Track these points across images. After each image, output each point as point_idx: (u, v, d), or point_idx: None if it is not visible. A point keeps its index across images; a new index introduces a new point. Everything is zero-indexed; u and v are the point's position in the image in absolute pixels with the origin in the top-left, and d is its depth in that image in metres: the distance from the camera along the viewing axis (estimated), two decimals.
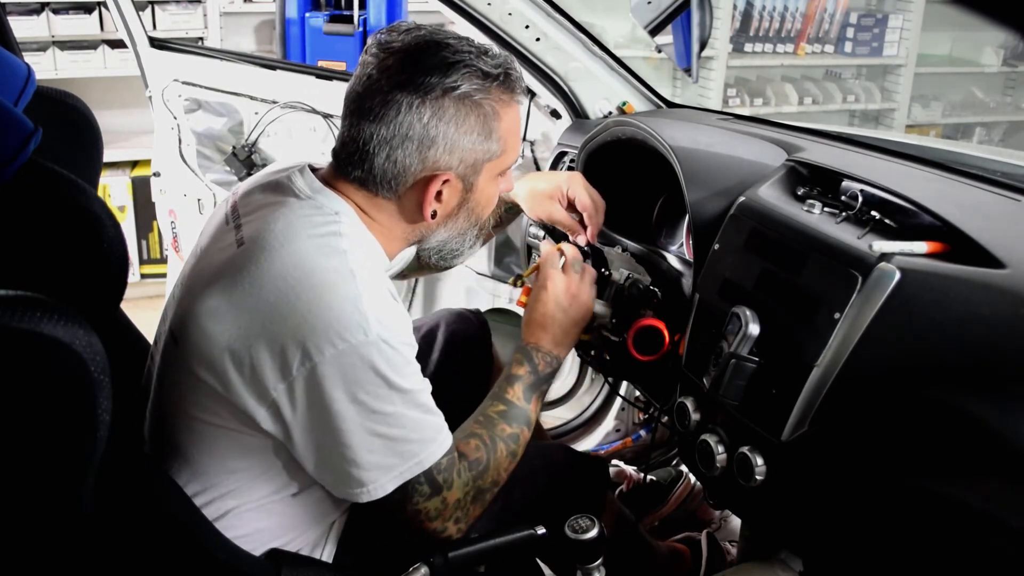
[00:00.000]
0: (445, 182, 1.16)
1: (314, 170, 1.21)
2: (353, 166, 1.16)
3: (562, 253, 1.39)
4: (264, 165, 2.03)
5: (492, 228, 1.63)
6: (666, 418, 1.38)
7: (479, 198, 1.23)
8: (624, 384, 2.05)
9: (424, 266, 1.63)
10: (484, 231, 1.31)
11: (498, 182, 1.25)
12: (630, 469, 2.00)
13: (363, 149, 1.14)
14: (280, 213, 1.13)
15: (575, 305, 1.36)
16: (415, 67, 1.12)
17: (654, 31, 1.63)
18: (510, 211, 1.60)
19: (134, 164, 3.51)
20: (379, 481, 1.10)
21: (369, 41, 1.18)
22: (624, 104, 1.92)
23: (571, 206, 1.52)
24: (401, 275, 1.63)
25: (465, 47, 1.15)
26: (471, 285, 2.32)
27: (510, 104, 1.19)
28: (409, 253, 1.54)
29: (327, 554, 1.26)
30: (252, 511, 1.17)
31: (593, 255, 1.51)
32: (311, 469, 1.12)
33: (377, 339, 1.05)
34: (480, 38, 1.87)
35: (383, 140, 1.13)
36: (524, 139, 2.08)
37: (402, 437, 1.10)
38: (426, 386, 1.14)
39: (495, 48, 1.19)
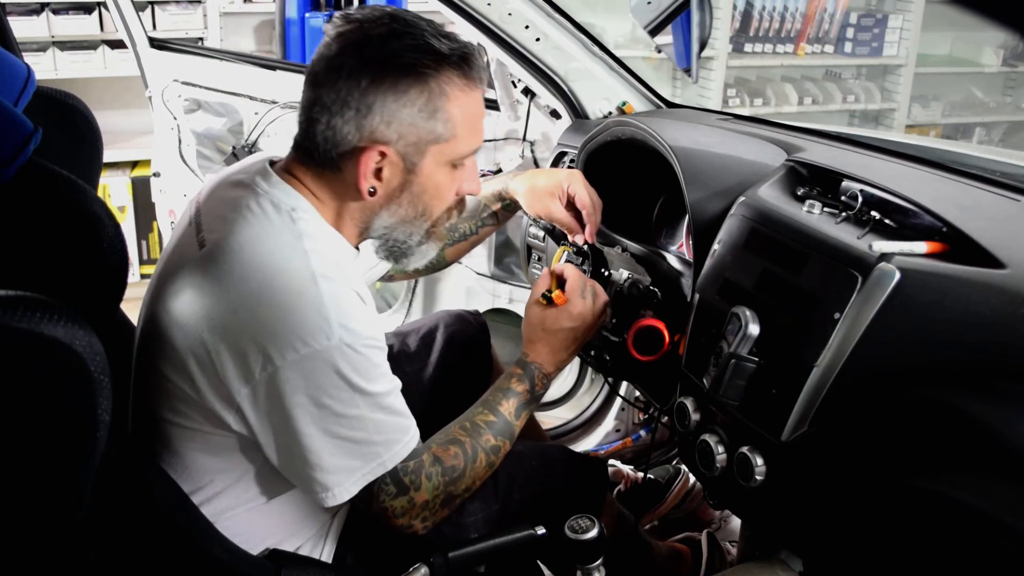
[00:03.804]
0: (383, 156, 1.12)
1: (275, 163, 1.19)
2: (302, 134, 1.15)
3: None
4: None
5: (489, 225, 1.62)
6: (666, 418, 1.38)
7: (424, 183, 1.16)
8: (624, 384, 2.05)
9: (412, 269, 1.63)
10: (437, 231, 1.24)
11: (453, 174, 1.19)
12: (627, 469, 2.00)
13: (308, 115, 1.13)
14: (240, 214, 1.11)
15: (588, 336, 1.38)
16: (364, 35, 1.10)
17: (654, 31, 1.63)
18: (507, 208, 1.60)
19: (134, 164, 3.51)
20: (343, 484, 1.10)
21: (336, 14, 1.17)
22: (624, 104, 1.92)
23: (570, 204, 1.52)
24: (389, 277, 1.62)
25: (423, 24, 1.12)
26: (471, 285, 2.32)
27: (464, 88, 1.14)
28: None
29: (327, 553, 1.26)
30: (245, 511, 1.17)
31: (593, 255, 1.51)
32: (281, 471, 1.12)
33: (340, 343, 1.05)
34: (480, 38, 1.87)
35: (324, 105, 1.10)
36: (524, 139, 2.08)
37: (365, 439, 1.10)
38: (394, 387, 1.14)
39: (461, 36, 1.15)
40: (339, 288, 1.08)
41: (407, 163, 1.14)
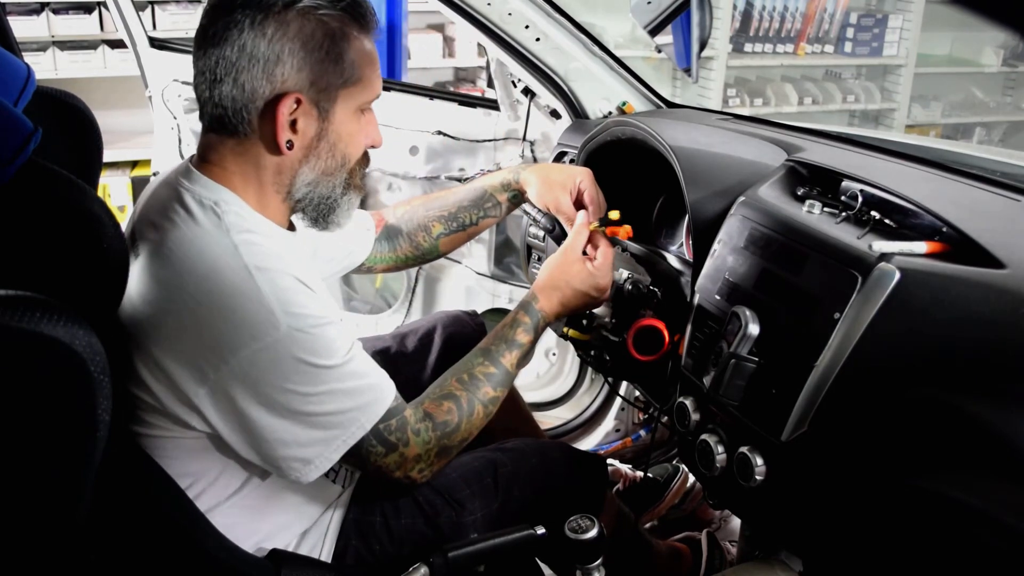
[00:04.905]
0: (297, 104, 1.11)
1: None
2: (207, 103, 1.13)
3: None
4: None
5: (491, 217, 1.62)
6: (666, 418, 1.38)
7: (339, 130, 1.16)
8: (624, 384, 2.05)
9: (402, 258, 1.62)
10: (355, 181, 1.23)
11: (360, 121, 1.19)
12: (625, 468, 2.00)
13: (212, 79, 1.10)
14: (167, 217, 1.11)
15: (598, 299, 1.39)
16: None
17: (654, 31, 1.63)
18: (512, 200, 1.60)
19: (134, 164, 3.51)
20: (323, 454, 1.11)
21: None
22: (624, 104, 1.92)
23: (577, 202, 1.52)
24: (368, 269, 1.62)
25: None
26: (471, 285, 2.32)
27: (360, 34, 1.14)
28: (364, 240, 1.53)
29: (326, 553, 1.26)
30: (229, 508, 1.17)
31: None
32: (255, 460, 1.12)
33: (289, 331, 1.05)
34: (480, 38, 1.87)
35: (229, 64, 1.08)
36: (524, 139, 2.08)
37: (339, 409, 1.10)
38: (354, 352, 1.13)
39: None
40: (276, 276, 1.07)
41: (320, 110, 1.13)
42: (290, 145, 1.13)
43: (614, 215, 1.46)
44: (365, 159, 1.24)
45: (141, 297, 1.07)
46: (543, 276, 1.37)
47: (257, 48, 1.08)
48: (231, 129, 1.13)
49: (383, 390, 1.15)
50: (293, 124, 1.12)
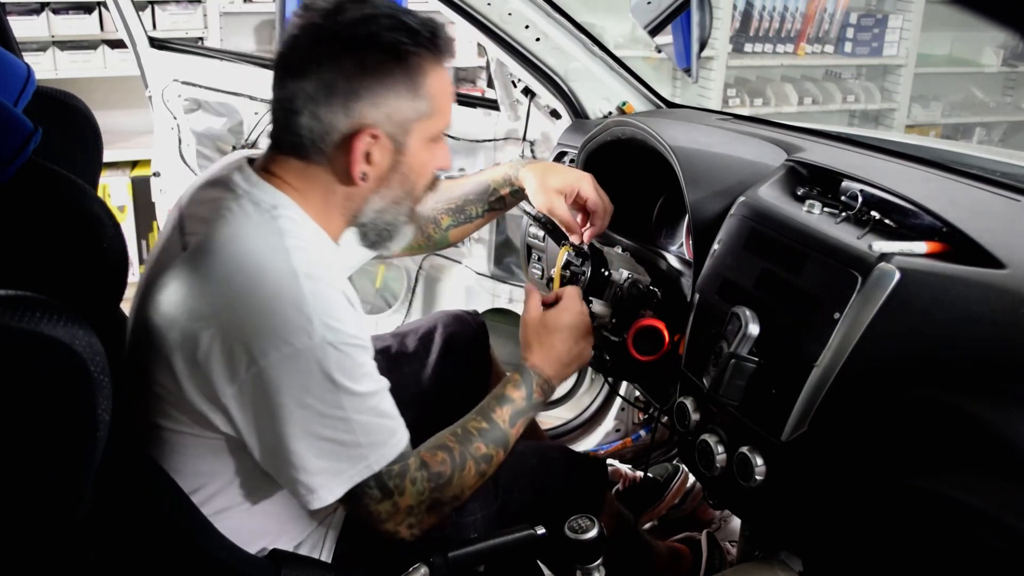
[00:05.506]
0: (374, 138, 1.11)
1: (253, 161, 1.18)
2: (282, 130, 1.13)
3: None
4: None
5: (496, 209, 1.63)
6: (666, 418, 1.38)
7: (412, 163, 1.16)
8: (624, 384, 2.05)
9: (415, 247, 1.63)
10: (415, 213, 1.24)
11: (432, 149, 1.19)
12: (625, 468, 2.00)
13: (289, 109, 1.10)
14: (220, 214, 1.11)
15: (587, 339, 1.36)
16: (336, 21, 1.09)
17: (654, 31, 1.64)
18: (515, 195, 1.60)
19: (134, 164, 3.51)
20: (328, 486, 1.09)
21: (299, 4, 1.15)
22: (624, 104, 1.92)
23: (575, 205, 1.52)
24: (384, 255, 1.62)
25: (390, 5, 1.12)
26: (471, 285, 2.32)
27: (437, 65, 1.14)
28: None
29: (327, 552, 1.26)
30: (241, 511, 1.17)
31: (593, 255, 1.51)
32: (268, 471, 1.11)
33: (322, 342, 1.04)
34: (480, 38, 1.87)
35: (308, 96, 1.09)
36: (524, 139, 2.08)
37: (351, 441, 1.09)
38: (380, 388, 1.12)
39: (422, 13, 1.14)
40: (323, 287, 1.07)
41: (395, 143, 1.14)
42: (364, 177, 1.13)
43: None
44: (435, 182, 1.25)
45: (188, 288, 1.07)
46: (523, 344, 1.36)
47: (336, 83, 1.08)
48: (303, 156, 1.13)
49: (398, 436, 1.14)
50: (368, 155, 1.12)
